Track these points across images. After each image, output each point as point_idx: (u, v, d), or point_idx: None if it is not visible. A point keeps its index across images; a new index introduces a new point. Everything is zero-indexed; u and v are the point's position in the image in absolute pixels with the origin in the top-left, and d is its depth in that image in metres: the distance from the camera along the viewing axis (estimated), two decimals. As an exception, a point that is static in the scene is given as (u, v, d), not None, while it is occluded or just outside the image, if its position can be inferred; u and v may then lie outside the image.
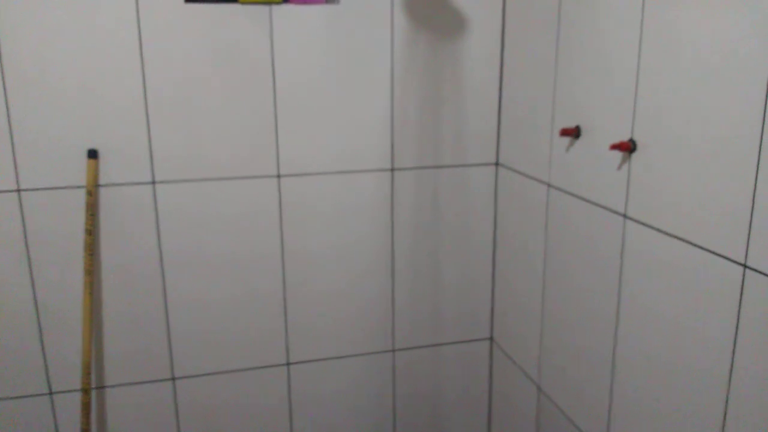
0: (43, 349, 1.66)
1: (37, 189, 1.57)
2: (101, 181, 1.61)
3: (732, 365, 1.05)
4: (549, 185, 1.59)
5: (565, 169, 1.51)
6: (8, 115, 1.52)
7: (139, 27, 1.55)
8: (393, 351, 1.93)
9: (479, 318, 1.98)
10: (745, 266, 1.01)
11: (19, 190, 1.56)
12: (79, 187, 1.59)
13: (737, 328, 1.04)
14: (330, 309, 1.84)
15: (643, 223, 1.25)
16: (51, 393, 1.69)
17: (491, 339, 2.01)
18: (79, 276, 1.64)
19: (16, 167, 1.55)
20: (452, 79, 1.77)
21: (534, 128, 1.64)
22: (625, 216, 1.30)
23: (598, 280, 1.41)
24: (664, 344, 1.21)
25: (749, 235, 1.00)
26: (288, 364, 1.84)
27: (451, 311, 1.95)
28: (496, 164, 1.87)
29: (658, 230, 1.21)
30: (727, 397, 1.06)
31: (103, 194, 1.61)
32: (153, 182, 1.64)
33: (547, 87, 1.56)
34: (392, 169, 1.79)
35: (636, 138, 1.24)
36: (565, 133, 1.43)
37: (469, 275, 1.94)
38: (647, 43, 1.19)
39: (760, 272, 0.98)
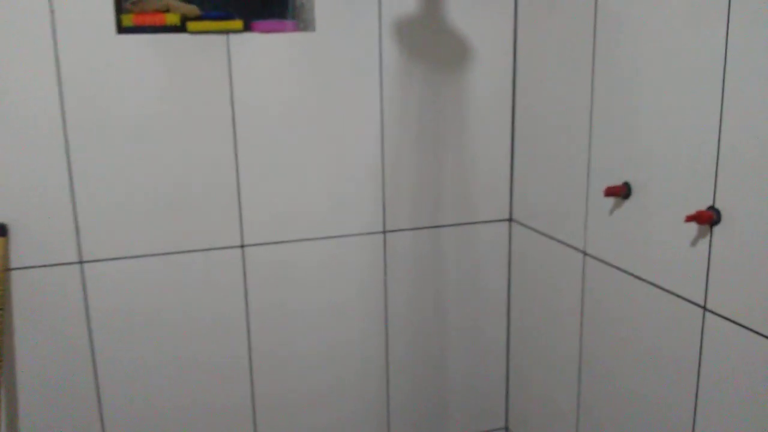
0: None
1: (-72, 276, 1.21)
2: (13, 264, 1.25)
3: None
4: (585, 253, 1.25)
5: (608, 236, 1.17)
6: None
7: (57, 66, 1.21)
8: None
9: (493, 409, 1.63)
10: None
11: None
12: (-17, 271, 1.24)
13: None
14: (309, 415, 1.49)
15: (730, 320, 0.91)
16: None
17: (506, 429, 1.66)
18: (-13, 385, 1.28)
19: None
20: (454, 119, 1.45)
21: (562, 181, 1.31)
22: (704, 308, 0.96)
23: (663, 382, 1.07)
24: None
25: None
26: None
27: (457, 401, 1.60)
28: (510, 220, 1.54)
29: (752, 330, 0.87)
30: None
31: (16, 280, 1.26)
32: (80, 262, 1.29)
33: (579, 130, 1.23)
34: (384, 232, 1.46)
35: (720, 206, 0.91)
36: (610, 192, 1.10)
37: (480, 358, 1.60)
38: (732, 61, 0.87)
39: None
